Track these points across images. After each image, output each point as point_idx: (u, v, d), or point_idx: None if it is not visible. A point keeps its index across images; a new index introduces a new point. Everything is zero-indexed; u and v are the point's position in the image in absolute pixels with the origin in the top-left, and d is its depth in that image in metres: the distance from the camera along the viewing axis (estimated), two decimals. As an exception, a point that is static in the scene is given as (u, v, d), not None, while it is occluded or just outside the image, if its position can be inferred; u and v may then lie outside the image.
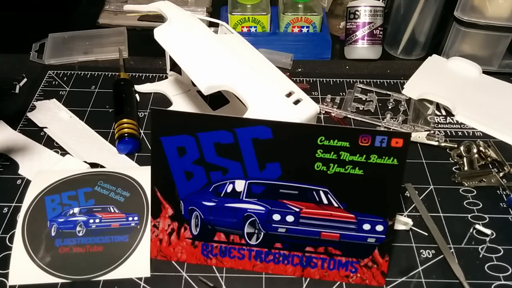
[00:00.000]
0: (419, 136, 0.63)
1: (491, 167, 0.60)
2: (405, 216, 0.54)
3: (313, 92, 0.72)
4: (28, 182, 0.56)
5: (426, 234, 0.53)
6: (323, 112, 0.68)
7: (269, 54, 0.75)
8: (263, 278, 0.49)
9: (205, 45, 0.56)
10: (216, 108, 0.68)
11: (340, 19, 0.84)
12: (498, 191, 0.57)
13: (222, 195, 0.48)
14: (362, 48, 0.77)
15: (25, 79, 0.73)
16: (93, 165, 0.59)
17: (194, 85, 0.69)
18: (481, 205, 0.56)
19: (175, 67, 0.72)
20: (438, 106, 0.69)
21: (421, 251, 0.51)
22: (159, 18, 0.71)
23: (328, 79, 0.74)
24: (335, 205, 0.47)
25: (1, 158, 0.60)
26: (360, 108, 0.69)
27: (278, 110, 0.50)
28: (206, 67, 0.54)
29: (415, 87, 0.72)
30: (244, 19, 0.77)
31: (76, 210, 0.52)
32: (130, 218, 0.51)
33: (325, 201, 0.47)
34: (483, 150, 0.61)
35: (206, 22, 0.75)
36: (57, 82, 0.72)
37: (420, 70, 0.76)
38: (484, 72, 0.75)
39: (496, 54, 0.74)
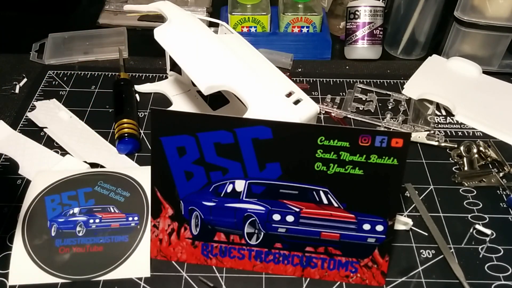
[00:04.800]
0: (419, 136, 0.63)
1: (491, 167, 0.60)
2: (405, 216, 0.54)
3: (313, 92, 0.72)
4: (28, 182, 0.56)
5: (426, 234, 0.53)
6: (323, 112, 0.68)
7: (269, 54, 0.75)
8: (263, 278, 0.49)
9: (205, 45, 0.56)
10: (216, 108, 0.68)
11: (340, 19, 0.84)
12: (498, 191, 0.57)
13: (222, 195, 0.48)
14: (362, 48, 0.77)
15: (25, 79, 0.73)
16: (93, 165, 0.58)
17: (194, 85, 0.69)
18: (481, 205, 0.56)
19: (175, 67, 0.72)
20: (438, 106, 0.69)
21: (421, 251, 0.51)
22: (159, 18, 0.70)
23: (328, 79, 0.74)
24: (335, 205, 0.47)
25: (1, 158, 0.60)
26: (360, 108, 0.69)
27: (278, 110, 0.50)
28: (206, 67, 0.54)
29: (415, 87, 0.72)
30: (244, 19, 0.77)
31: (76, 210, 0.52)
32: (130, 218, 0.51)
33: (325, 201, 0.47)
34: (483, 150, 0.61)
35: (206, 22, 0.75)
36: (57, 82, 0.72)
37: (420, 70, 0.76)
38: (484, 72, 0.75)
39: (496, 54, 0.74)
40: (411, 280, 0.48)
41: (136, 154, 0.61)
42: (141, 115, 0.67)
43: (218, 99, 0.69)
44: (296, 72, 0.76)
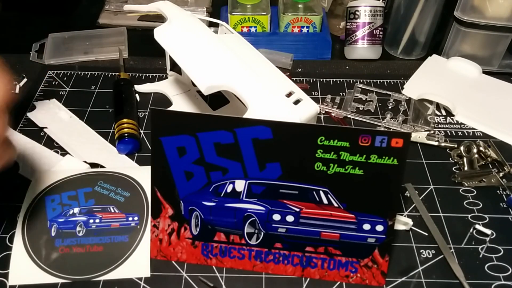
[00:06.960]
0: (419, 136, 0.63)
1: (491, 167, 0.60)
2: (405, 216, 0.54)
3: (313, 92, 0.72)
4: (28, 182, 0.56)
5: (426, 234, 0.53)
6: (323, 112, 0.68)
7: (269, 54, 0.75)
8: (263, 278, 0.49)
9: (205, 45, 0.56)
10: (216, 108, 0.68)
11: (340, 19, 0.84)
12: (498, 191, 0.57)
13: (222, 195, 0.48)
14: (362, 48, 0.77)
15: (25, 79, 0.73)
16: (93, 165, 0.58)
17: (194, 85, 0.69)
18: (481, 205, 0.56)
19: (175, 67, 0.72)
20: (438, 106, 0.69)
21: (421, 251, 0.51)
22: (159, 18, 0.71)
23: (328, 79, 0.74)
24: (335, 205, 0.47)
25: (1, 158, 0.60)
26: (360, 108, 0.69)
27: (278, 110, 0.50)
28: (206, 67, 0.54)
29: (415, 87, 0.72)
30: (244, 19, 0.77)
31: (76, 210, 0.52)
32: (130, 218, 0.51)
33: (325, 201, 0.47)
34: (483, 150, 0.61)
35: (206, 22, 0.75)
36: (57, 82, 0.72)
37: (420, 70, 0.76)
38: (484, 72, 0.75)
39: (496, 54, 0.74)
40: (411, 280, 0.48)
41: (136, 154, 0.61)
42: (141, 115, 0.67)
43: (218, 99, 0.69)
44: (296, 72, 0.76)
